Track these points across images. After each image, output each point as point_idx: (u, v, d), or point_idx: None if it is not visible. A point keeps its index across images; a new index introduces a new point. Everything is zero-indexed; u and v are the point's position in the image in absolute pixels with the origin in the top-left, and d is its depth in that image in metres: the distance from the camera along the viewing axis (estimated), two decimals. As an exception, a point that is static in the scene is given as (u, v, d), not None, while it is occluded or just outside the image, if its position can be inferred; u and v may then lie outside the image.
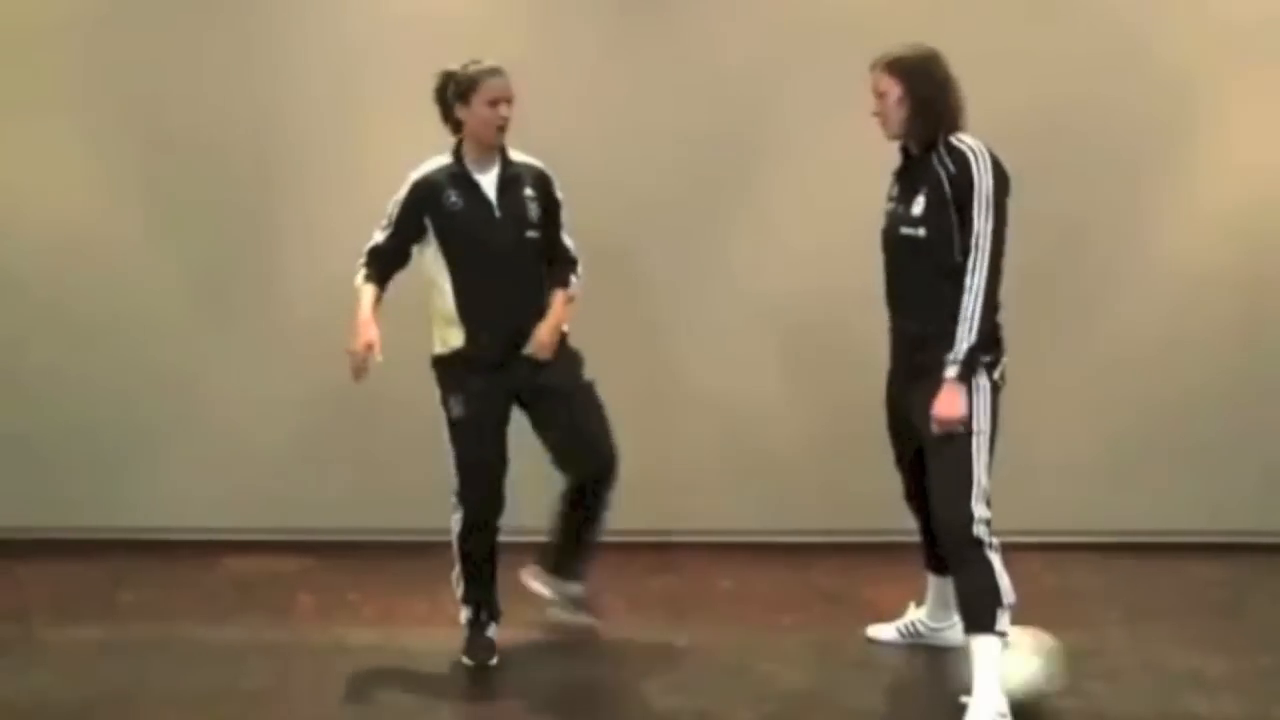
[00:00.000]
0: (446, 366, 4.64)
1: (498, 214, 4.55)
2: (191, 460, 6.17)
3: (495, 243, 4.54)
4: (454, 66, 4.59)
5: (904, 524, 5.79)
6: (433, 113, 6.05)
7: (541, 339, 4.59)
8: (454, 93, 4.56)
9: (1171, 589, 5.51)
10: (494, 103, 4.50)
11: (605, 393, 6.11)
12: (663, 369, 6.05)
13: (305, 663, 4.64)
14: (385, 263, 4.69)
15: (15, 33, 6.11)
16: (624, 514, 6.10)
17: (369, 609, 5.25)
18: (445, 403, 4.62)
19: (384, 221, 4.68)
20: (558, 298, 4.67)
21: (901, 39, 5.81)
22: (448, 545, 6.05)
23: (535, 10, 6.07)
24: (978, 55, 5.95)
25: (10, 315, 6.19)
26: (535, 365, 4.60)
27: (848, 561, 5.58)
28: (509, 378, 4.59)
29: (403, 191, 4.62)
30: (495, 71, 4.52)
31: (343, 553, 5.96)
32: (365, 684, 4.43)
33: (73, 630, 4.97)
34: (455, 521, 4.66)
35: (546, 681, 4.48)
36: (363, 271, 4.69)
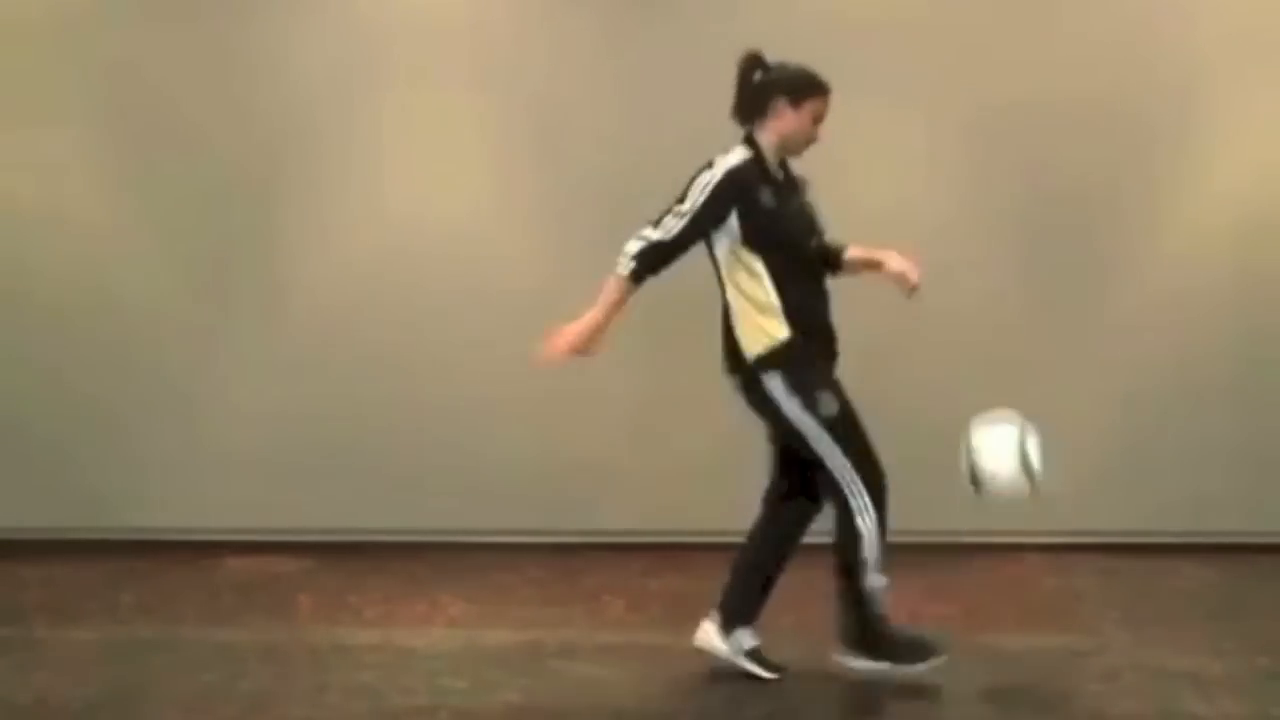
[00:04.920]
0: (787, 360, 4.28)
1: (800, 212, 4.36)
2: (192, 460, 6.17)
3: (801, 238, 4.35)
4: (769, 57, 4.33)
5: (904, 524, 5.79)
6: (437, 105, 6.10)
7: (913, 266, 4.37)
8: (789, 86, 4.30)
9: (1171, 590, 5.51)
10: (818, 119, 4.31)
11: (607, 392, 6.14)
12: (663, 367, 6.05)
13: (305, 663, 4.64)
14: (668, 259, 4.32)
15: (22, 29, 6.11)
16: (624, 514, 6.13)
17: (369, 609, 5.24)
18: (815, 406, 4.26)
19: (686, 207, 4.28)
20: (857, 247, 4.45)
21: (905, 34, 5.85)
22: (447, 546, 6.05)
23: (535, 4, 6.08)
24: (982, 52, 5.98)
25: (11, 315, 6.19)
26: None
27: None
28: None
29: (713, 180, 4.26)
30: (829, 89, 4.31)
31: (343, 553, 5.96)
32: (365, 685, 4.42)
33: (73, 630, 4.97)
34: (868, 525, 4.26)
35: (546, 682, 4.48)
36: (635, 266, 4.29)
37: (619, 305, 4.29)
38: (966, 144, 5.96)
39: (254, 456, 6.15)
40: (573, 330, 4.25)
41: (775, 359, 4.26)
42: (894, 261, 4.38)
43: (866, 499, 4.27)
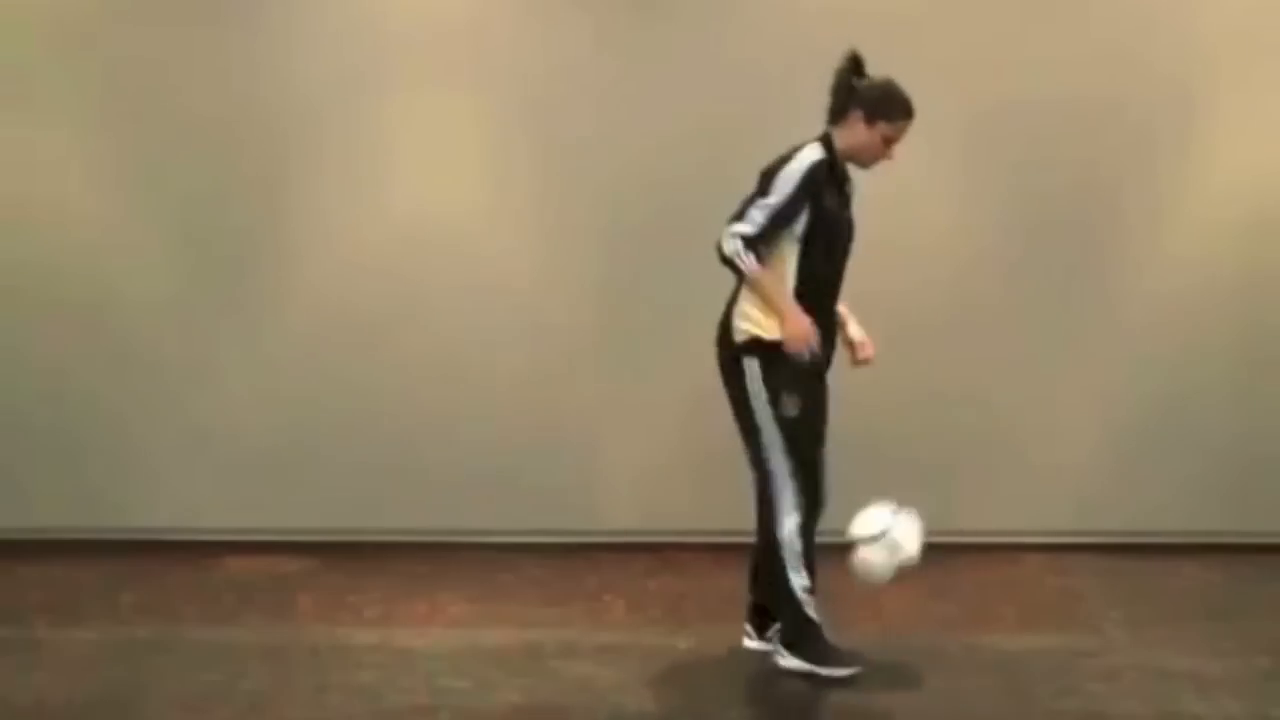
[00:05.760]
0: (771, 354, 4.37)
1: (848, 224, 4.48)
2: (192, 460, 6.17)
3: (840, 249, 4.46)
4: (881, 75, 4.43)
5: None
6: (437, 106, 6.09)
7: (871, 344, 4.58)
8: (867, 101, 4.40)
9: (1171, 589, 5.51)
10: (890, 142, 4.41)
11: (608, 391, 6.14)
12: (664, 366, 6.05)
13: (305, 663, 4.64)
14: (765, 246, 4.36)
15: (24, 27, 6.11)
16: (624, 514, 6.13)
17: (369, 609, 5.24)
18: (776, 400, 4.37)
19: (774, 201, 4.33)
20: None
21: (905, 34, 5.85)
22: (447, 546, 6.05)
23: (534, 8, 6.09)
24: (981, 51, 5.98)
25: (11, 315, 6.18)
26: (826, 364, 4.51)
27: (848, 562, 5.58)
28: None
29: (799, 172, 4.33)
30: (913, 115, 4.42)
31: (343, 553, 5.96)
32: (365, 685, 4.42)
33: (73, 630, 4.97)
34: (790, 525, 4.41)
35: (546, 682, 4.48)
36: (753, 256, 4.31)
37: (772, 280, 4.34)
38: (966, 143, 5.96)
39: (254, 456, 6.15)
40: (797, 328, 4.29)
41: (761, 347, 4.37)
42: (854, 330, 4.58)
43: (793, 503, 4.40)
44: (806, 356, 4.31)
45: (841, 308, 4.58)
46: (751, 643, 4.66)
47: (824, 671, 4.43)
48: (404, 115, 6.08)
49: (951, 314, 6.02)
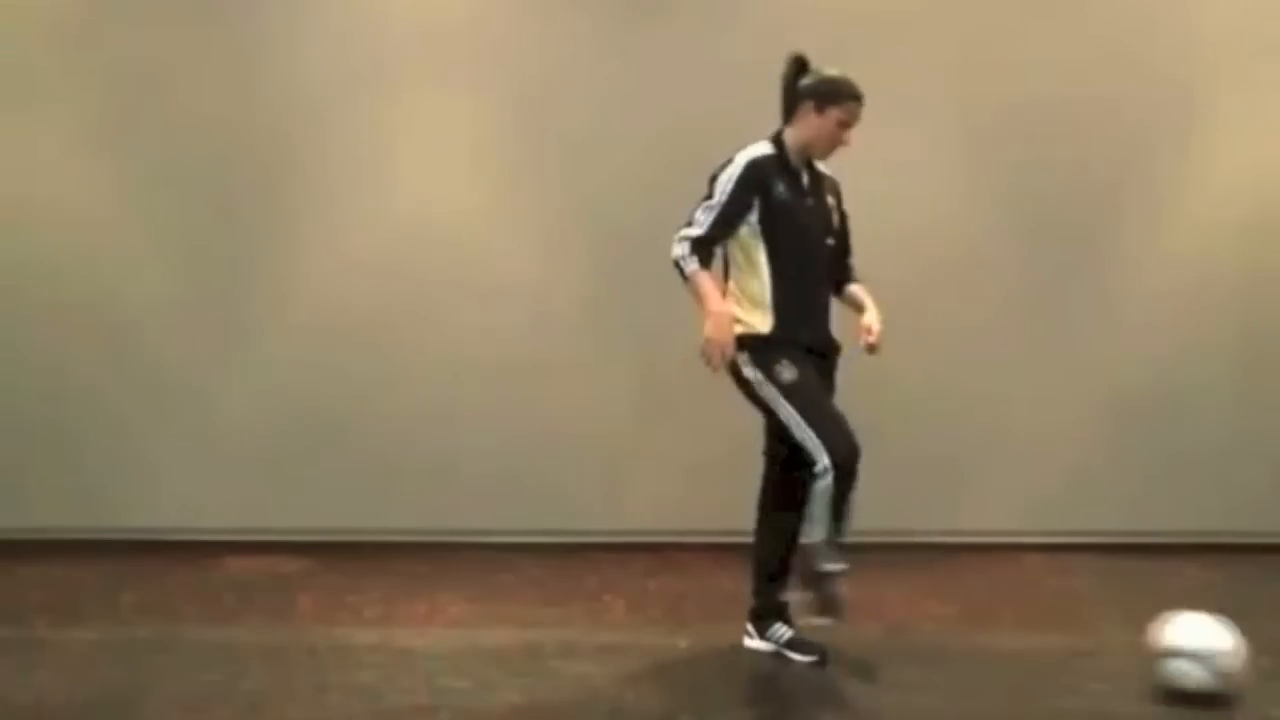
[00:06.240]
0: (757, 344, 4.44)
1: (815, 211, 4.51)
2: (191, 460, 6.18)
3: (810, 237, 4.49)
4: (827, 67, 4.47)
5: (904, 524, 5.81)
6: (439, 107, 6.10)
7: (878, 329, 4.56)
8: (814, 91, 4.45)
9: (1172, 589, 5.50)
10: (844, 125, 4.46)
11: (608, 393, 6.14)
12: (663, 366, 6.05)
13: (305, 663, 4.64)
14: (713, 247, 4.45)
15: (26, 26, 6.12)
16: (624, 514, 6.14)
17: (369, 609, 5.24)
18: (770, 374, 4.41)
19: (716, 201, 4.42)
20: (863, 290, 4.64)
21: (906, 35, 5.85)
22: (447, 546, 6.04)
23: (534, 10, 6.09)
24: (983, 51, 5.99)
25: (12, 314, 6.19)
26: (825, 356, 4.55)
27: (847, 561, 5.57)
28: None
29: (736, 171, 4.41)
30: (860, 98, 4.44)
31: (343, 553, 5.96)
32: (365, 685, 4.42)
33: (73, 630, 4.97)
34: (825, 486, 4.38)
35: (546, 682, 4.48)
36: (696, 259, 4.41)
37: (715, 285, 4.40)
38: (966, 143, 5.96)
39: (254, 456, 6.16)
40: (716, 332, 4.33)
41: (748, 342, 4.42)
42: (870, 316, 4.60)
43: (827, 462, 4.39)
44: (715, 363, 4.35)
45: (861, 292, 4.63)
46: (752, 642, 4.66)
47: (795, 656, 4.54)
48: (405, 115, 6.08)
49: (951, 314, 6.02)
